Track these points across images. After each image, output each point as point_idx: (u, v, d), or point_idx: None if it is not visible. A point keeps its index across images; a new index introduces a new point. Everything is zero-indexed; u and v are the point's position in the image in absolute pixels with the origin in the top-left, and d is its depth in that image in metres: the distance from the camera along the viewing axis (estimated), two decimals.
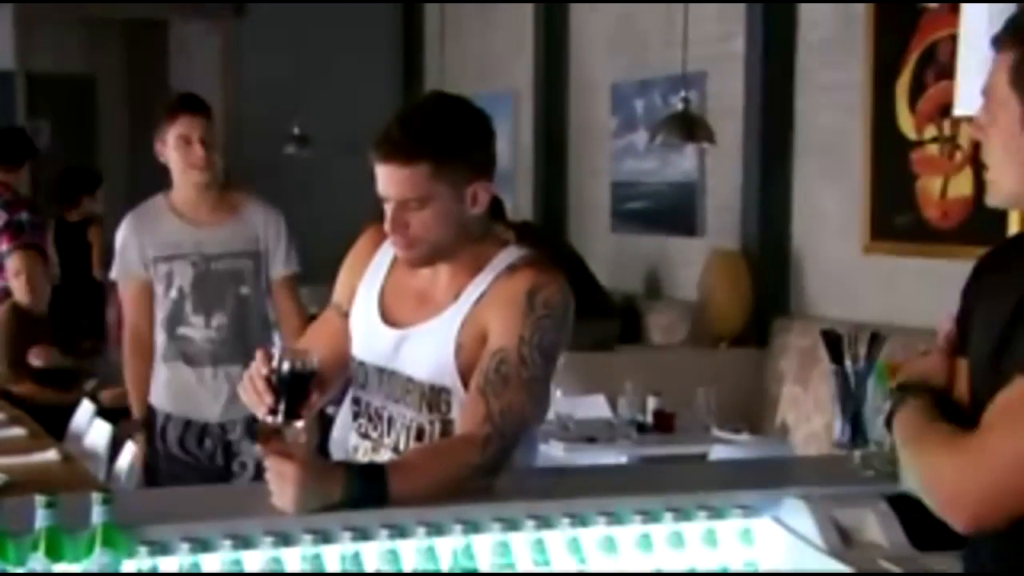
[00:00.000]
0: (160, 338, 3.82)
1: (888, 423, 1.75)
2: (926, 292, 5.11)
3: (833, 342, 2.34)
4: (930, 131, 5.26)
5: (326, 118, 8.68)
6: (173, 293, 3.78)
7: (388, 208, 2.26)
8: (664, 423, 4.93)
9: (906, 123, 5.39)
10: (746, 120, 6.26)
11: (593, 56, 7.73)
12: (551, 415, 4.73)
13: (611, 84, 7.48)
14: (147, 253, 3.80)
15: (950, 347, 1.75)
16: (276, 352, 2.25)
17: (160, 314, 3.82)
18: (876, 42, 5.51)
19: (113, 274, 3.96)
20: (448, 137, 2.23)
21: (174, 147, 3.73)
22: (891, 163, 5.46)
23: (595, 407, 5.23)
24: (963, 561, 1.75)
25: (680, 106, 5.59)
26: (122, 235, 3.86)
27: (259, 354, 2.25)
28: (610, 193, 7.41)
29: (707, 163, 6.68)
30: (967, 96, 2.18)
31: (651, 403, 4.97)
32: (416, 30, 9.57)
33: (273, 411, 2.21)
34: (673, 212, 6.94)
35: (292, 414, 2.23)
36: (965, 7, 2.38)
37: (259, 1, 9.00)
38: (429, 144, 2.21)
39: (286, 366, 2.21)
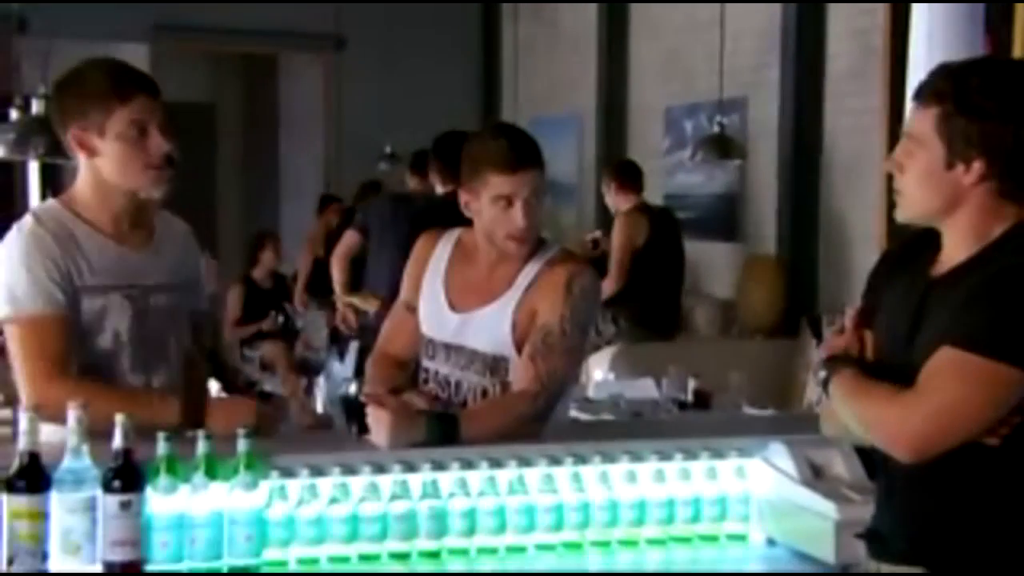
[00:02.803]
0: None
1: (824, 387, 2.04)
2: None
3: (814, 322, 2.67)
4: None
5: (414, 138, 8.96)
6: (104, 341, 2.46)
7: (518, 205, 2.55)
8: (702, 401, 5.21)
9: None
10: (780, 140, 6.51)
11: (648, 83, 7.98)
12: (604, 395, 5.08)
13: (664, 108, 7.73)
14: (78, 279, 2.43)
15: (858, 323, 2.05)
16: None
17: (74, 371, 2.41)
18: (892, 72, 5.72)
19: (19, 305, 2.42)
20: (539, 148, 2.64)
21: (121, 138, 2.42)
22: None
23: (644, 389, 5.50)
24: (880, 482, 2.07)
25: (717, 129, 5.89)
26: (31, 251, 2.42)
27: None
28: (662, 204, 7.67)
29: (747, 177, 6.94)
30: None
31: (691, 384, 5.25)
32: (493, 60, 9.81)
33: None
34: (716, 220, 7.19)
35: (364, 430, 2.40)
36: (911, 66, 2.71)
37: (357, 36, 9.35)
38: (539, 153, 2.61)
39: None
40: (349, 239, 5.99)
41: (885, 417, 1.92)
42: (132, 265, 2.51)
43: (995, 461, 1.87)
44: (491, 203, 2.58)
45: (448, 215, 4.97)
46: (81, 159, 2.50)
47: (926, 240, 2.00)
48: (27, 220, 2.49)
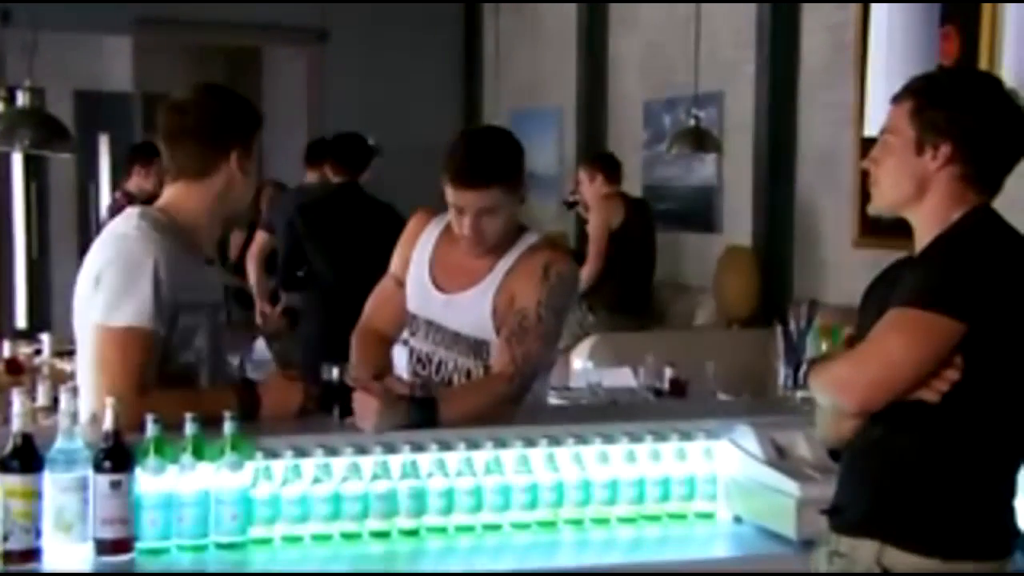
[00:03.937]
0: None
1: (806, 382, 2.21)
2: None
3: (782, 314, 2.76)
4: None
5: (398, 131, 9.01)
6: (189, 356, 2.53)
7: (467, 217, 2.64)
8: (678, 389, 5.29)
9: None
10: (756, 133, 6.56)
11: (628, 77, 8.03)
12: (583, 383, 5.16)
13: (643, 102, 7.77)
14: (181, 295, 2.47)
15: (850, 339, 2.20)
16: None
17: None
18: (863, 67, 5.83)
19: (131, 317, 2.42)
20: (509, 164, 2.67)
21: (251, 166, 2.61)
22: None
23: (621, 377, 5.59)
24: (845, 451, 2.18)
25: (692, 122, 5.98)
26: (153, 263, 2.43)
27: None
28: (641, 196, 7.75)
29: (724, 170, 7.01)
30: (875, 122, 2.61)
31: (667, 372, 5.33)
32: (475, 55, 9.82)
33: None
34: (694, 212, 7.26)
35: (347, 413, 2.48)
36: (871, 63, 2.81)
37: (340, 30, 9.34)
38: (499, 172, 2.64)
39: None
40: (259, 239, 6.12)
41: (839, 373, 2.07)
42: (210, 282, 2.63)
43: (940, 424, 2.00)
44: (450, 205, 2.68)
45: (341, 201, 5.14)
46: (211, 180, 2.56)
47: (907, 259, 2.14)
48: (143, 224, 2.49)
